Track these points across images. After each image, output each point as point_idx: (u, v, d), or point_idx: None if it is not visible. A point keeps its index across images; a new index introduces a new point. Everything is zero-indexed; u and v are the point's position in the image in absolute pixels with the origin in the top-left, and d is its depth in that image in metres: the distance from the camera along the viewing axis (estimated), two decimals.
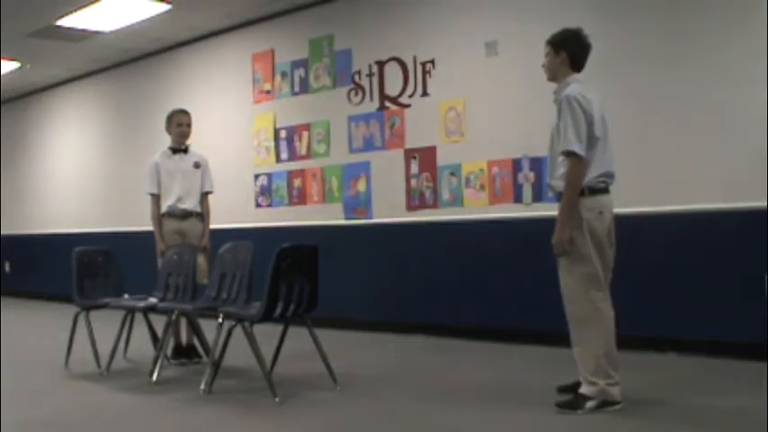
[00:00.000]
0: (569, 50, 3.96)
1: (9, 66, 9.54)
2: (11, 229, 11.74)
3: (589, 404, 3.81)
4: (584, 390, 3.86)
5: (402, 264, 6.75)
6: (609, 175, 3.94)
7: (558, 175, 3.92)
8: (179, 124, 5.76)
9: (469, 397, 4.33)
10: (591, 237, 3.84)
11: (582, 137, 3.78)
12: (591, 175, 3.85)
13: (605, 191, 3.93)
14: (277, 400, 4.26)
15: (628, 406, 3.86)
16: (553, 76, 4.04)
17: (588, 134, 3.80)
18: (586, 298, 3.85)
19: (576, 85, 3.92)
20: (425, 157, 6.59)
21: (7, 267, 11.85)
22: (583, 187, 3.83)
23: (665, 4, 5.31)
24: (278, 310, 4.40)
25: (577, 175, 3.80)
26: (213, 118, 8.19)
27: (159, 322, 5.29)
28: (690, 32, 5.18)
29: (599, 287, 3.86)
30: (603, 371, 3.81)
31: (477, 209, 6.24)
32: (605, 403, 3.81)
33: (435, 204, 6.52)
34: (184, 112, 5.81)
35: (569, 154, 3.80)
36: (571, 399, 3.89)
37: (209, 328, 5.18)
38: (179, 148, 5.77)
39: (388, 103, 6.88)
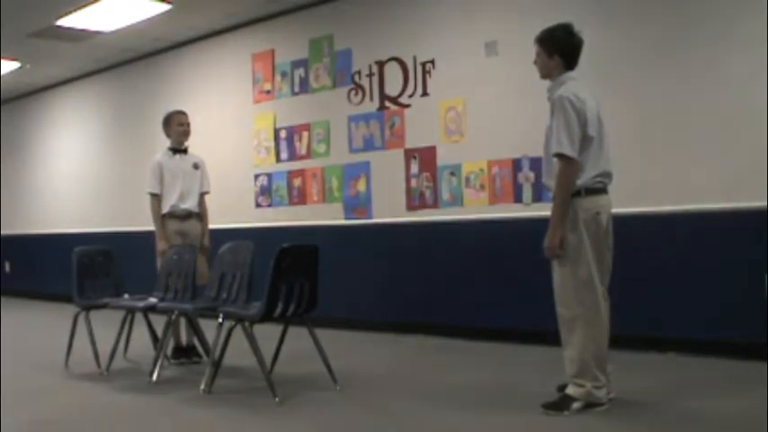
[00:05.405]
0: (561, 51, 3.87)
1: (9, 66, 9.53)
2: (11, 229, 11.73)
3: (575, 405, 3.78)
4: (570, 391, 3.83)
5: (402, 264, 6.75)
6: (606, 175, 3.87)
7: (553, 175, 3.86)
8: (180, 124, 5.78)
9: (469, 397, 4.33)
10: (587, 238, 3.77)
11: (574, 138, 3.72)
12: (588, 176, 3.78)
13: (603, 191, 3.86)
14: (277, 400, 4.26)
15: (628, 406, 3.86)
16: (546, 75, 3.97)
17: (581, 135, 3.74)
18: (578, 301, 3.78)
19: (570, 83, 3.84)
20: (425, 157, 6.59)
21: (7, 267, 11.85)
22: (579, 188, 3.77)
23: (666, 4, 5.31)
24: (278, 310, 4.40)
25: (569, 177, 3.75)
26: (213, 118, 8.19)
27: (159, 322, 5.29)
28: (690, 32, 5.18)
29: (592, 290, 3.78)
30: (591, 373, 3.77)
31: (477, 209, 6.24)
32: (590, 405, 3.79)
33: (435, 204, 6.52)
34: (183, 113, 5.85)
35: (561, 156, 3.75)
36: (557, 400, 3.86)
37: (209, 328, 5.18)
38: (179, 149, 5.79)
39: (388, 103, 6.88)
